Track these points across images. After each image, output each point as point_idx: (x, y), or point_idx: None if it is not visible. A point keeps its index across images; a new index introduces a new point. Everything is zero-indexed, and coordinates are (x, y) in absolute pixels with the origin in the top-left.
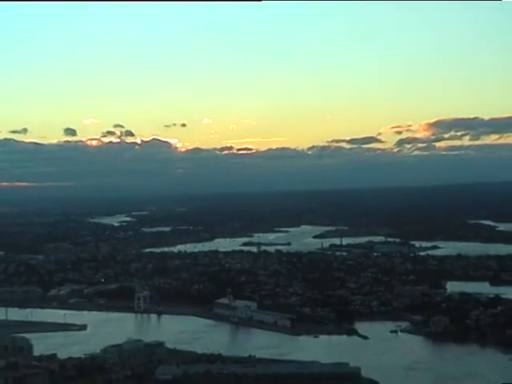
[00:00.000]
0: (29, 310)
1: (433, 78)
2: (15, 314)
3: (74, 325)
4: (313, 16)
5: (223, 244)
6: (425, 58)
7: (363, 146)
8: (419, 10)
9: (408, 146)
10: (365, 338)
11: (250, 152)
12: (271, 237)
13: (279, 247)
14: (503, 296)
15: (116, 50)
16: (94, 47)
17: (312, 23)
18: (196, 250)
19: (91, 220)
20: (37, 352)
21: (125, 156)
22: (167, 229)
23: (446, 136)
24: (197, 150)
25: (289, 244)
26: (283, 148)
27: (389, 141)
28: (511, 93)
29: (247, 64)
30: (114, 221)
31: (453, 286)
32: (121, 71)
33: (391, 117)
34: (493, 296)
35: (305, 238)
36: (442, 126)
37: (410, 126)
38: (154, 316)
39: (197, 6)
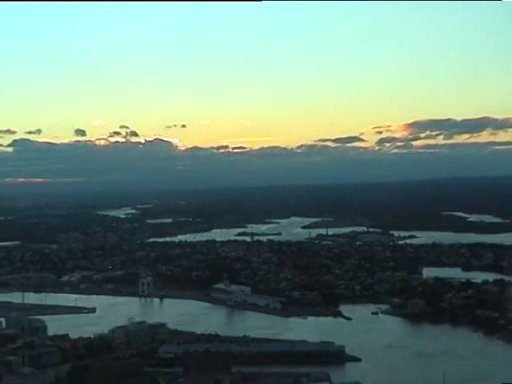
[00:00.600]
0: (43, 294)
1: (410, 83)
2: (31, 297)
3: (84, 308)
4: (304, 20)
5: (220, 234)
6: (403, 63)
7: (347, 144)
8: (401, 18)
9: (387, 144)
10: (348, 319)
11: (244, 150)
12: (263, 227)
13: (271, 237)
14: (474, 280)
15: (121, 55)
16: (101, 52)
17: (300, 29)
18: (195, 240)
19: (99, 212)
20: (51, 332)
21: (130, 154)
22: (169, 220)
23: (422, 135)
24: (195, 149)
25: (279, 234)
26: (274, 147)
27: (370, 140)
28: (481, 96)
29: (242, 68)
30: (121, 213)
31: (428, 272)
32: (126, 76)
33: (372, 118)
34: (464, 280)
35: (294, 229)
36: (419, 127)
37: (389, 126)
38: (156, 300)
39: (197, 6)
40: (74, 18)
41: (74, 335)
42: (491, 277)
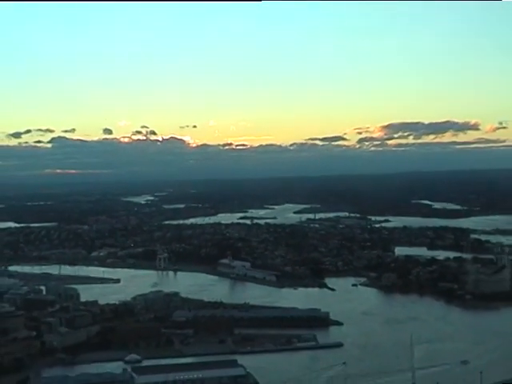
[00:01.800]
0: (76, 267)
1: (386, 90)
2: (66, 270)
3: (111, 279)
4: (295, 25)
5: (224, 218)
6: (381, 75)
7: (332, 143)
8: (381, 30)
9: (366, 143)
10: (332, 289)
11: (245, 147)
12: (261, 212)
13: (267, 220)
14: (437, 258)
15: (141, 65)
16: (124, 62)
17: (291, 36)
18: (204, 223)
19: (123, 199)
20: (83, 299)
21: (149, 150)
22: (182, 206)
23: (396, 136)
24: (204, 146)
25: (275, 218)
26: (271, 144)
27: (352, 139)
28: (445, 102)
29: (244, 75)
30: (141, 199)
31: (399, 250)
32: (147, 83)
33: (354, 120)
34: (429, 258)
35: (287, 214)
36: (393, 128)
37: (368, 127)
38: (171, 273)
39: (196, 9)
40: (102, 25)
41: (102, 301)
42: (452, 255)
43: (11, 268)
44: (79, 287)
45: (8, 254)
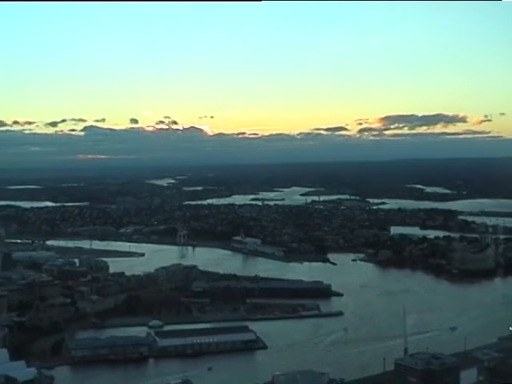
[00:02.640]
0: (105, 242)
1: (385, 86)
2: (96, 244)
3: (136, 253)
4: (300, 20)
5: (238, 199)
6: (380, 70)
7: (335, 132)
8: (381, 26)
9: (366, 133)
10: (334, 264)
11: (257, 136)
12: (271, 194)
13: (276, 202)
14: (428, 236)
15: (165, 59)
16: (150, 55)
17: (294, 32)
18: (219, 203)
19: (148, 181)
20: (111, 270)
21: (171, 138)
22: (200, 188)
23: (392, 127)
24: (221, 135)
25: (283, 200)
26: (280, 133)
27: (353, 129)
28: (436, 96)
29: (256, 70)
30: (164, 182)
31: (394, 230)
32: (169, 76)
33: (355, 112)
34: (421, 236)
35: (294, 196)
36: (390, 120)
37: (367, 119)
38: (190, 248)
39: (202, 5)
40: (128, 21)
41: (128, 273)
42: (441, 234)
43: (48, 242)
44: (108, 260)
45: (45, 229)
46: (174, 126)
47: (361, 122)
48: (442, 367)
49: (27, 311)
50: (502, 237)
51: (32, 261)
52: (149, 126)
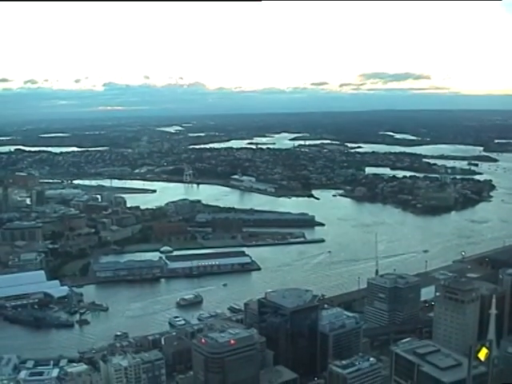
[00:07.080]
0: (123, 181)
1: (361, 47)
2: (115, 183)
3: (149, 190)
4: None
5: (235, 143)
6: (358, 28)
7: (319, 87)
8: None
9: (345, 87)
10: (317, 199)
11: (253, 89)
12: (264, 139)
13: (268, 146)
14: (397, 176)
15: (174, 24)
16: (161, 21)
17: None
18: (219, 147)
19: (158, 129)
20: (128, 205)
21: (178, 91)
22: (202, 134)
23: (368, 82)
24: (221, 88)
25: (274, 144)
26: (273, 87)
27: (334, 84)
28: (405, 56)
29: (252, 33)
30: (172, 129)
31: (369, 170)
32: (177, 40)
33: (336, 70)
34: (391, 176)
35: (283, 141)
36: (366, 76)
37: (347, 75)
38: (195, 185)
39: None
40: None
41: (142, 207)
42: (408, 174)
43: (75, 181)
44: (125, 196)
45: (72, 171)
46: (181, 82)
47: (341, 77)
48: (406, 285)
49: (59, 239)
50: (458, 177)
51: (62, 197)
52: (159, 82)
